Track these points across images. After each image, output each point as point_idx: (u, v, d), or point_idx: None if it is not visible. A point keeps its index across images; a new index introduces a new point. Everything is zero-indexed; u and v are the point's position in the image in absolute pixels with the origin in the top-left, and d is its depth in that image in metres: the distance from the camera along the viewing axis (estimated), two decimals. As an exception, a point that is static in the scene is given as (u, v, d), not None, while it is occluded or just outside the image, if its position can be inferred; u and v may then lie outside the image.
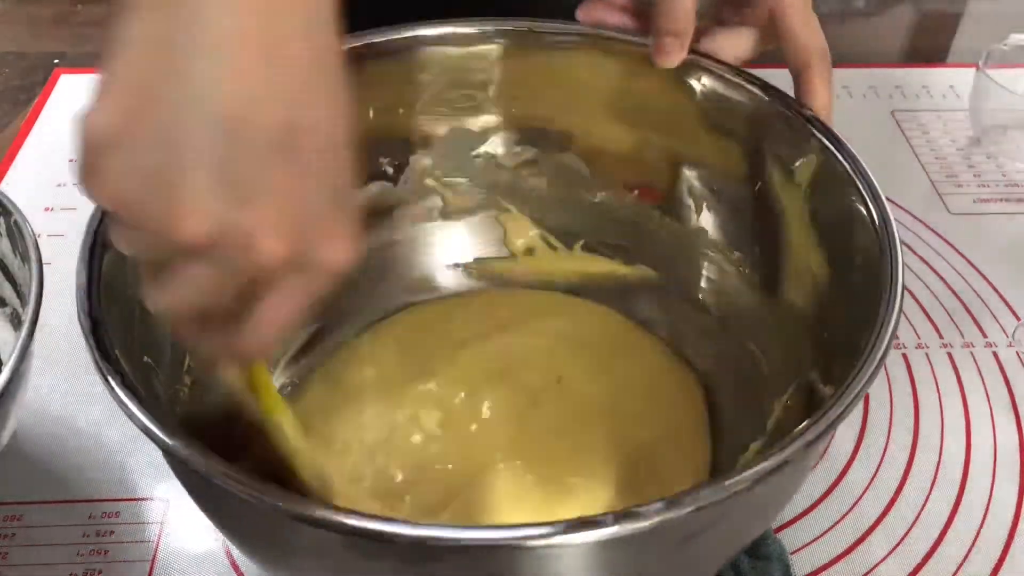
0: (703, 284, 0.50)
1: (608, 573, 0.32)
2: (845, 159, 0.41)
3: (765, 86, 0.45)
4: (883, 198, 0.40)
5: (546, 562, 0.30)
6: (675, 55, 0.44)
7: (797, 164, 0.43)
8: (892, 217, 0.39)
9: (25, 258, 0.45)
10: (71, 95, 0.72)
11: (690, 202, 0.49)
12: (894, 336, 0.35)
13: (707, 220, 0.49)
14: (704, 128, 0.47)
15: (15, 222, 0.46)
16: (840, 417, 0.32)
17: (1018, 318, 0.56)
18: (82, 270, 0.36)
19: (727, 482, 0.29)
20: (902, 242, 0.38)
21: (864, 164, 0.41)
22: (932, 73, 0.76)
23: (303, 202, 0.28)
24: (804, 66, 0.43)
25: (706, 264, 0.50)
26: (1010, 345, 0.55)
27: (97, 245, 0.37)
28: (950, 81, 0.74)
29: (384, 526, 0.28)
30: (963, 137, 0.69)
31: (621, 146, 0.50)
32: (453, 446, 0.45)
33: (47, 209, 0.61)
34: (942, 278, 0.58)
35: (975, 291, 0.58)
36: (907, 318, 0.56)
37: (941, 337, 0.55)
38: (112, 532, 0.45)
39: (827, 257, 0.42)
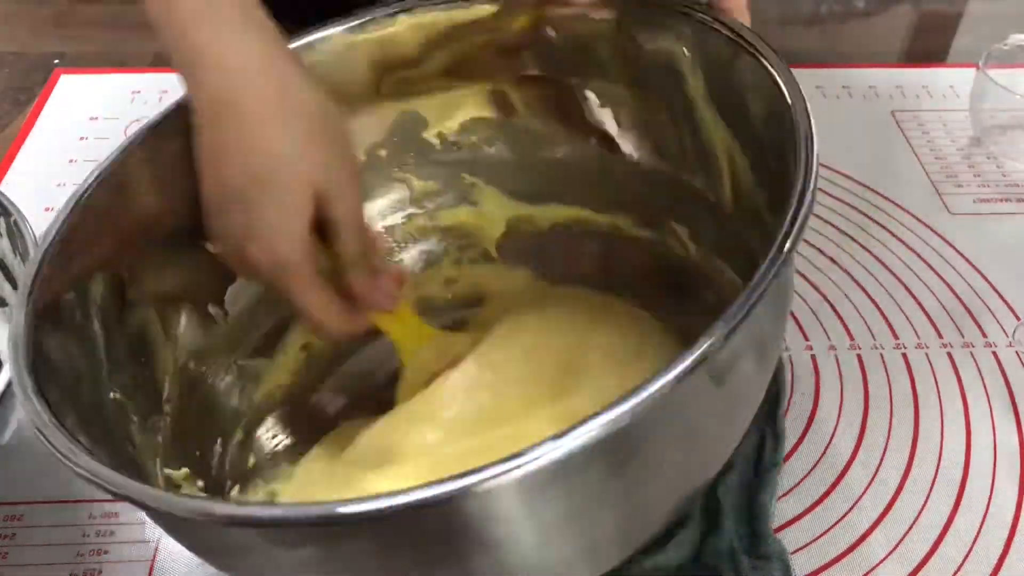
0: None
1: (548, 509, 0.32)
2: (725, 29, 0.42)
3: None
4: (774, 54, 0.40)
5: (480, 509, 0.30)
6: None
7: (676, 48, 0.44)
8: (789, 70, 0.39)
9: (25, 258, 0.45)
10: (71, 95, 0.72)
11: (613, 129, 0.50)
12: (813, 199, 0.34)
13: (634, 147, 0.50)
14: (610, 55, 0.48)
15: (15, 222, 0.46)
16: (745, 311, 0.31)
17: (1018, 318, 0.56)
18: (20, 343, 0.35)
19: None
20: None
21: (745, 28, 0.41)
22: (932, 73, 0.76)
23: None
24: None
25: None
26: (1010, 345, 0.55)
27: (34, 301, 0.37)
28: (950, 81, 0.74)
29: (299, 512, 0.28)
30: (963, 137, 0.69)
31: (548, 91, 0.50)
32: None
33: (47, 209, 0.61)
34: (942, 278, 0.58)
35: (975, 291, 0.58)
36: (907, 318, 0.56)
37: (941, 337, 0.55)
38: (112, 532, 0.45)
39: (736, 137, 0.43)
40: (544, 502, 0.31)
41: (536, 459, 0.28)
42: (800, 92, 0.38)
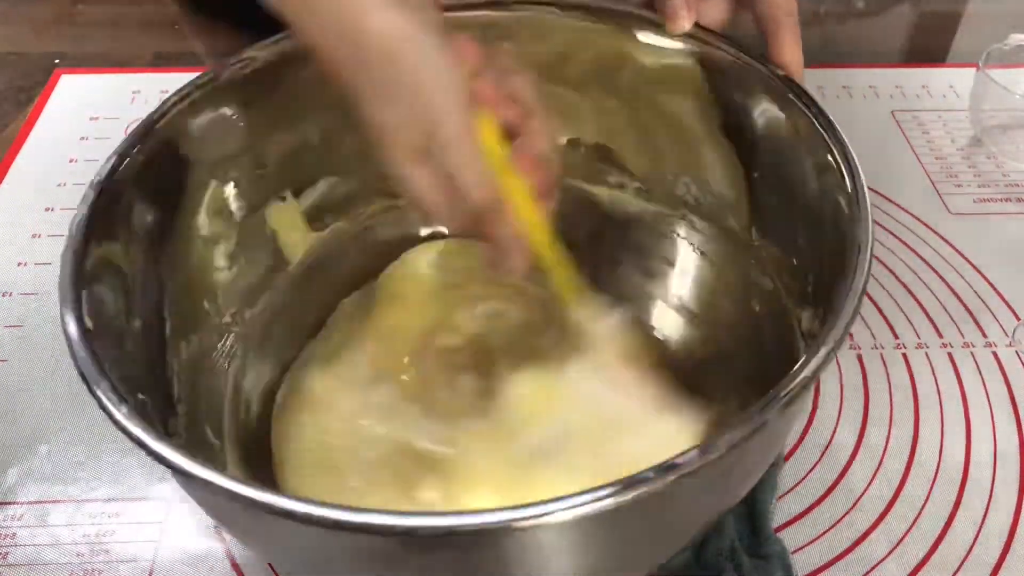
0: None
1: (593, 543, 0.32)
2: (815, 116, 0.42)
3: (742, 46, 0.45)
4: (853, 155, 0.40)
5: (531, 542, 0.30)
6: (686, 20, 0.46)
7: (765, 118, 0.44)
8: (862, 173, 0.39)
9: None
10: (71, 95, 0.72)
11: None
12: (863, 293, 0.35)
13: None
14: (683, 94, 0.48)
15: None
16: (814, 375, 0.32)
17: (1018, 318, 0.56)
18: (70, 318, 0.35)
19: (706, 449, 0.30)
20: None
21: (834, 120, 0.42)
22: (932, 73, 0.76)
23: None
24: (775, 25, 0.44)
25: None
26: (1010, 345, 0.55)
27: (81, 279, 0.36)
28: (950, 81, 0.74)
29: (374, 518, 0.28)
30: (963, 137, 0.69)
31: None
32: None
33: (47, 209, 0.61)
34: (942, 278, 0.59)
35: (975, 291, 0.58)
36: (907, 318, 0.56)
37: (941, 337, 0.55)
38: (112, 532, 0.45)
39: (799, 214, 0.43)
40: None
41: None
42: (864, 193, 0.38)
